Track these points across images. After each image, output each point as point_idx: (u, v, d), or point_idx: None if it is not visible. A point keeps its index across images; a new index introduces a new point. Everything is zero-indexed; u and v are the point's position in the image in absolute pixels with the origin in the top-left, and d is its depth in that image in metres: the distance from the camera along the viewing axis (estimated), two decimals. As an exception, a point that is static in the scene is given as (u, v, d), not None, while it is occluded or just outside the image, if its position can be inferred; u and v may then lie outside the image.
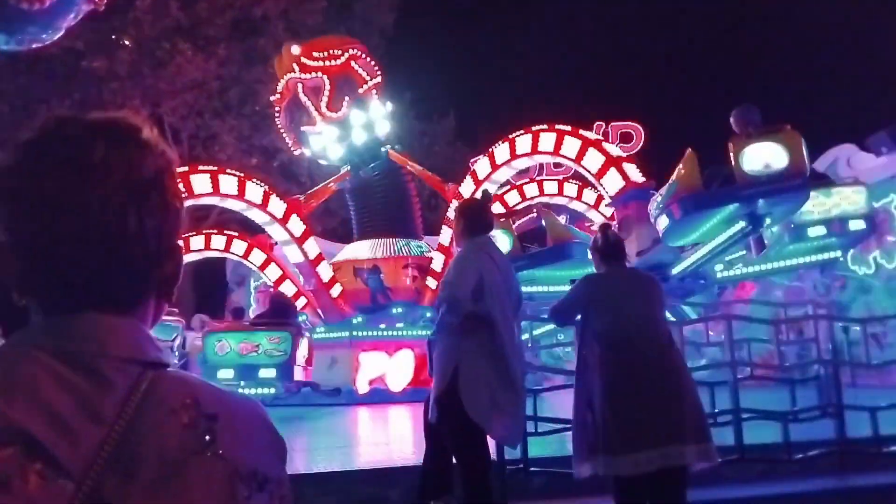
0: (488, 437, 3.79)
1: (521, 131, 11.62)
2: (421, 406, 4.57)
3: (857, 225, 8.17)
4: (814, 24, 21.57)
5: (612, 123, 17.09)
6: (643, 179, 10.28)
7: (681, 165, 7.48)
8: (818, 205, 7.99)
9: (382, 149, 13.83)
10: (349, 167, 14.00)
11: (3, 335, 1.25)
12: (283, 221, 12.53)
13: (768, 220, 7.52)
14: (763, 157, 6.87)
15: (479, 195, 4.30)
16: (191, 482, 0.69)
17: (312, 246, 12.83)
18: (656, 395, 3.57)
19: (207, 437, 0.71)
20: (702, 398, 5.65)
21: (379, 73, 14.00)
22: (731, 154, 6.97)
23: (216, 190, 11.84)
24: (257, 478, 0.73)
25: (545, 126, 11.32)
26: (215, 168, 12.47)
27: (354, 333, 12.04)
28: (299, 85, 13.69)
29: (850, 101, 20.93)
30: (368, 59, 14.04)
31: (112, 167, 0.76)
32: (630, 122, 17.19)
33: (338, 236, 18.47)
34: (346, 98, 13.35)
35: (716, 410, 5.49)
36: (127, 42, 16.97)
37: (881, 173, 13.18)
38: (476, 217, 4.06)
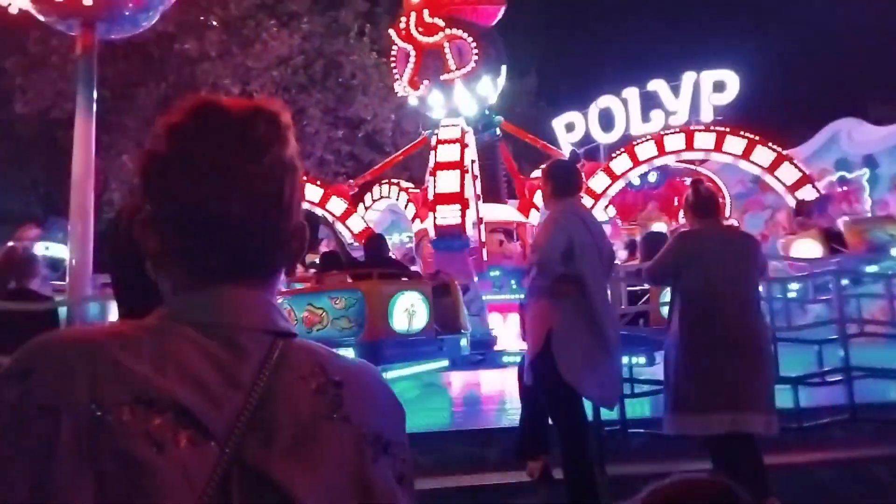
0: (585, 398, 3.79)
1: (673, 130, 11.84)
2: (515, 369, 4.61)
3: None
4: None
5: (704, 72, 16.34)
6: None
7: None
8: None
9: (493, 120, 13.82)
10: (425, 133, 14.05)
11: (128, 313, 1.33)
12: (322, 204, 13.24)
13: None
14: None
15: (567, 155, 4.21)
16: (322, 445, 0.73)
17: (357, 222, 13.37)
18: (733, 359, 3.52)
19: (335, 403, 0.76)
20: (808, 356, 5.47)
21: (476, 59, 13.53)
22: None
23: None
24: (381, 441, 0.77)
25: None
26: None
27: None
28: (394, 46, 13.82)
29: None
30: (472, 41, 13.41)
31: (271, 143, 0.81)
32: (722, 70, 16.39)
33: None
34: (427, 81, 13.34)
35: (824, 369, 5.26)
36: (215, 22, 17.47)
37: None
38: (565, 178, 4.00)
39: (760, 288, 4.31)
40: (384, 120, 18.41)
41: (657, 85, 16.67)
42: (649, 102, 16.64)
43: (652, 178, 18.41)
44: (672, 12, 23.83)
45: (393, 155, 15.95)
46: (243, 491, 0.69)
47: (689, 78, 16.39)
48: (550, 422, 3.98)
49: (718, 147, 12.30)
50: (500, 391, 7.75)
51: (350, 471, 0.74)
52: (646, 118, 16.80)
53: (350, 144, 19.66)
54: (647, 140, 12.41)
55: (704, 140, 12.61)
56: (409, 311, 5.61)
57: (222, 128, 0.80)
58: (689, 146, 12.30)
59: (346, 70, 18.32)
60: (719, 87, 16.33)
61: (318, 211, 13.63)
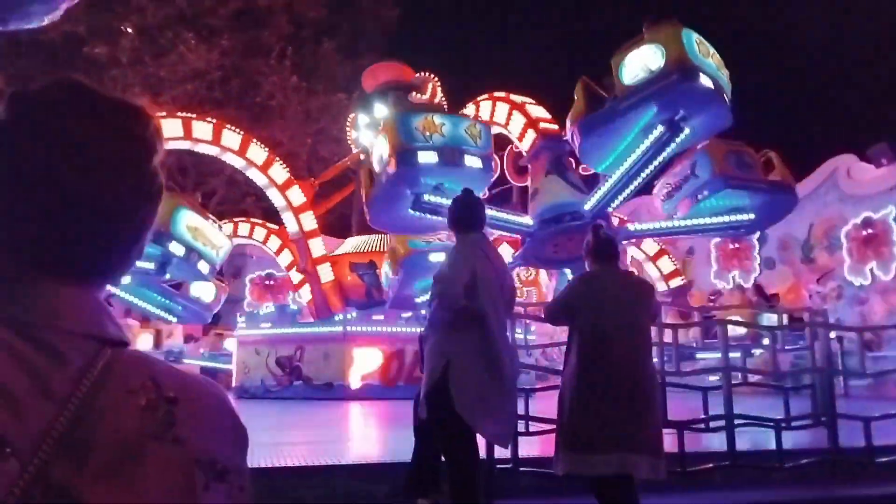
0: (478, 435, 3.75)
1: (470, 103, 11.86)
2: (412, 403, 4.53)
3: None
4: (818, 27, 21.54)
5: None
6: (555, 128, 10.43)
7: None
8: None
9: None
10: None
11: None
12: (284, 189, 13.00)
13: (687, 130, 7.62)
14: (642, 62, 7.16)
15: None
16: (147, 468, 0.65)
17: (310, 220, 13.16)
18: (624, 401, 3.59)
19: (166, 422, 0.67)
20: (694, 403, 5.66)
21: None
22: (614, 71, 7.29)
23: (216, 140, 12.20)
24: (216, 467, 0.69)
25: (485, 95, 11.64)
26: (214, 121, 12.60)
27: (348, 328, 11.99)
28: None
29: (852, 111, 20.92)
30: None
31: (155, 145, 0.77)
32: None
33: (334, 232, 18.44)
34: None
35: (708, 415, 5.45)
36: (129, 29, 16.90)
37: (880, 185, 13.17)
38: (468, 213, 4.01)
39: (653, 333, 4.44)
40: (300, 144, 18.24)
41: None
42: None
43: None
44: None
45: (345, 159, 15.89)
46: None
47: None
48: (443, 457, 3.92)
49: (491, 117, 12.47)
50: (395, 425, 7.65)
51: (177, 498, 0.66)
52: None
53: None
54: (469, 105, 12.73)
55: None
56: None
57: (96, 107, 0.73)
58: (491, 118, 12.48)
59: (264, 90, 18.07)
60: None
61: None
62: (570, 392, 3.74)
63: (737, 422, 5.09)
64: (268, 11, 18.68)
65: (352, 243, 14.18)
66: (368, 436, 7.42)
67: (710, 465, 4.99)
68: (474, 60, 24.67)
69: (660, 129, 7.57)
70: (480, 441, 3.85)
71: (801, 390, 6.91)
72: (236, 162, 12.78)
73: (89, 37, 16.22)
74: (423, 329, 4.09)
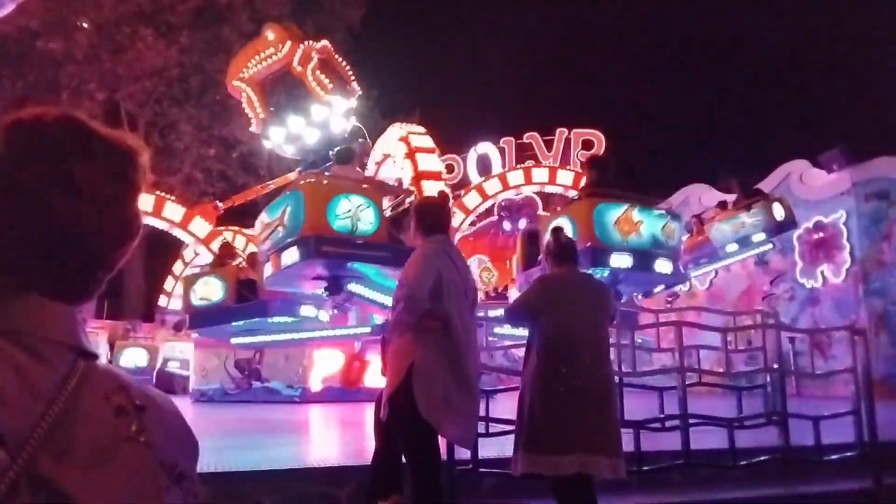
0: (440, 436, 3.77)
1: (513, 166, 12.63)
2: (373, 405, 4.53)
3: (759, 238, 10.61)
4: (771, 36, 22.11)
5: (575, 130, 17.30)
6: None
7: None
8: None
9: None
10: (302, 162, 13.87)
11: None
12: (184, 225, 12.81)
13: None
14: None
15: (436, 194, 4.26)
16: (121, 465, 0.72)
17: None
18: (583, 402, 3.65)
19: (137, 425, 0.76)
20: (651, 403, 5.77)
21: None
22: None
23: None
24: (175, 471, 0.78)
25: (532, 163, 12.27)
26: None
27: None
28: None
29: (804, 117, 21.50)
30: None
31: (137, 177, 0.83)
32: (591, 130, 17.43)
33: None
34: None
35: (664, 415, 5.56)
36: (85, 24, 16.52)
37: (832, 190, 13.56)
38: (434, 216, 4.04)
39: (611, 334, 4.52)
40: (261, 142, 18.11)
41: (532, 137, 17.50)
42: (523, 153, 17.41)
43: (522, 224, 19.20)
44: (552, 64, 25.10)
45: (268, 182, 15.43)
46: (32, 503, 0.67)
47: (560, 133, 17.33)
48: (404, 460, 3.93)
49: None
50: (355, 427, 7.63)
51: (146, 493, 0.74)
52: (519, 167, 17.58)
53: (222, 164, 19.05)
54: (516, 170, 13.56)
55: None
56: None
57: (92, 147, 0.80)
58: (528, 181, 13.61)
59: (225, 88, 17.86)
60: (588, 144, 17.35)
61: (178, 231, 12.96)
62: (529, 392, 3.79)
63: (691, 421, 5.20)
64: (228, 8, 18.42)
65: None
66: (330, 438, 7.38)
67: (666, 464, 5.10)
68: (440, 68, 24.70)
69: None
70: (442, 442, 3.87)
71: (753, 390, 7.08)
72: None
73: (43, 32, 15.80)
74: (386, 331, 4.10)
